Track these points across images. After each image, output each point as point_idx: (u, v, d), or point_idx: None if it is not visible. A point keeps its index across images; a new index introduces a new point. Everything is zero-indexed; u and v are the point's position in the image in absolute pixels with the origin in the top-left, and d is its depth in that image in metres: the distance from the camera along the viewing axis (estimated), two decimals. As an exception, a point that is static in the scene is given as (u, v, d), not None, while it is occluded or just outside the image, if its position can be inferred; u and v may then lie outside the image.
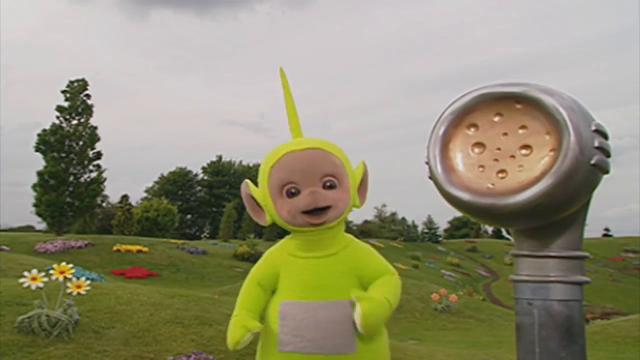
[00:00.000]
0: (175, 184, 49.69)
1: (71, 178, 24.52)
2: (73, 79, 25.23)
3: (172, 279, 15.34)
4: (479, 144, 0.85)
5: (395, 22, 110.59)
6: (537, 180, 0.76)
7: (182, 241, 21.95)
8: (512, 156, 0.81)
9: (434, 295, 10.58)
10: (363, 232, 44.79)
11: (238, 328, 1.37)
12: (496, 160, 0.83)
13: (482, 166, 0.83)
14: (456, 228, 56.08)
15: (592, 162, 0.74)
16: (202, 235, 47.76)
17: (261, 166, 1.47)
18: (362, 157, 1.55)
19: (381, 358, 1.42)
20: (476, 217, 0.84)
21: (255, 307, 1.45)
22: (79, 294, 3.46)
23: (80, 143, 24.71)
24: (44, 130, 24.36)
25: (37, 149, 24.13)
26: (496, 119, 0.84)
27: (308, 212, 1.37)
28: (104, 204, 36.49)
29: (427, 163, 0.88)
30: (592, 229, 53.81)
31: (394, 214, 50.49)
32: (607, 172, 0.77)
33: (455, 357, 5.63)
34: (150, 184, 50.53)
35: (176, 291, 5.69)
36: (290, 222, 1.40)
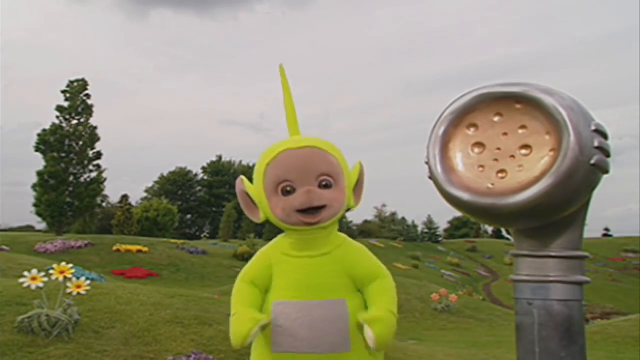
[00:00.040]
0: (175, 184, 49.69)
1: (71, 178, 24.52)
2: (73, 79, 25.27)
3: (172, 279, 15.34)
4: (479, 144, 0.85)
5: (395, 22, 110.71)
6: (537, 180, 0.76)
7: (182, 241, 21.95)
8: (512, 156, 0.81)
9: (434, 295, 10.58)
10: (363, 232, 44.79)
11: (245, 322, 1.34)
12: (496, 160, 0.83)
13: (482, 166, 0.83)
14: (456, 228, 56.08)
15: (592, 162, 0.74)
16: (202, 235, 47.76)
17: (257, 163, 1.45)
18: (362, 157, 1.55)
19: (375, 356, 1.42)
20: (476, 217, 0.84)
21: (253, 305, 1.43)
22: (79, 294, 3.46)
23: (80, 143, 24.71)
24: (44, 130, 24.37)
25: (37, 149, 24.13)
26: (496, 119, 0.84)
27: (303, 211, 1.36)
28: (104, 204, 36.48)
29: (427, 163, 0.88)
30: (592, 229, 53.88)
31: (394, 214, 50.54)
32: (607, 172, 0.77)
33: (455, 357, 5.63)
34: (150, 184, 50.60)
35: (176, 291, 5.69)
36: (284, 221, 1.39)
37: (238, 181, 1.49)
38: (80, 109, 24.82)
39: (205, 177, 51.74)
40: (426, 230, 46.89)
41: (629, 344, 6.51)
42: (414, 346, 6.15)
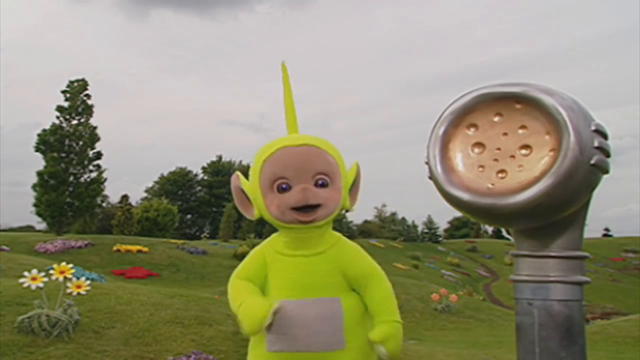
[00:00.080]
0: (175, 184, 49.69)
1: (71, 178, 24.53)
2: (73, 79, 25.26)
3: (172, 279, 15.34)
4: (479, 144, 0.85)
5: (395, 22, 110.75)
6: (537, 180, 0.76)
7: (182, 241, 21.95)
8: (512, 156, 0.81)
9: (434, 295, 10.59)
10: (363, 232, 44.81)
11: (259, 305, 1.33)
12: (496, 160, 0.83)
13: (482, 166, 0.83)
14: (456, 228, 56.08)
15: (592, 162, 0.74)
16: (202, 235, 47.76)
17: (254, 159, 1.45)
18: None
19: (370, 354, 1.41)
20: (476, 217, 0.84)
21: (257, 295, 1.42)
22: (79, 294, 3.46)
23: (80, 143, 24.71)
24: (44, 130, 24.37)
25: (37, 149, 24.14)
26: (496, 119, 0.84)
27: (298, 209, 1.35)
28: (104, 204, 36.49)
29: (427, 163, 0.88)
30: (592, 229, 53.88)
31: (394, 214, 50.52)
32: (607, 172, 0.77)
33: (455, 357, 5.63)
34: (150, 184, 50.59)
35: (176, 291, 5.69)
36: (278, 218, 1.39)
37: (233, 177, 1.48)
38: (80, 109, 24.83)
39: (205, 177, 51.74)
40: (426, 230, 46.87)
41: (629, 344, 6.51)
42: (414, 346, 6.15)
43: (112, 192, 59.36)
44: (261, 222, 1.50)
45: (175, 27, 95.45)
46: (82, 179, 24.92)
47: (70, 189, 24.40)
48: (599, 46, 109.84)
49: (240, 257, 19.55)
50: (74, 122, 24.77)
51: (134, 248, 17.26)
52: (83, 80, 25.22)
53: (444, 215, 63.63)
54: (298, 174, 1.36)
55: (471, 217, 0.85)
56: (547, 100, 0.77)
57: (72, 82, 25.04)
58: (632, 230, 56.56)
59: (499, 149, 0.83)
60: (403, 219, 47.48)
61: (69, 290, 3.44)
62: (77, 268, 7.35)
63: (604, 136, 0.77)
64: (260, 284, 1.45)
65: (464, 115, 0.86)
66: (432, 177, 0.87)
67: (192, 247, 19.87)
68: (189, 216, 50.92)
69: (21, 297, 3.99)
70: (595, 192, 0.79)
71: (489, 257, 37.23)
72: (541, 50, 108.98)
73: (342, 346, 1.36)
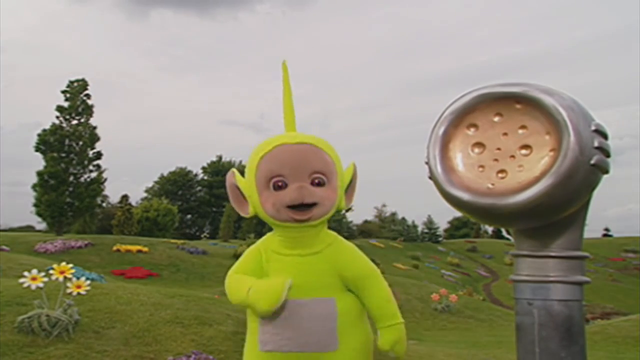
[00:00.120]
0: (175, 184, 49.68)
1: (71, 178, 24.52)
2: (73, 79, 25.24)
3: (172, 279, 15.34)
4: (479, 144, 0.85)
5: (395, 22, 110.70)
6: (537, 180, 0.76)
7: (182, 241, 21.93)
8: (512, 156, 0.81)
9: (434, 295, 10.59)
10: (363, 232, 44.80)
11: (273, 282, 1.33)
12: (496, 160, 0.83)
13: (482, 166, 0.83)
14: (456, 228, 56.06)
15: (592, 162, 0.74)
16: (202, 235, 47.76)
17: (250, 156, 1.44)
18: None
19: (363, 355, 1.41)
20: (476, 217, 0.84)
21: None
22: (79, 294, 3.46)
23: (80, 143, 24.70)
24: (44, 130, 24.35)
25: (37, 149, 24.13)
26: (496, 119, 0.84)
27: (293, 207, 1.35)
28: (104, 204, 36.49)
29: (427, 163, 0.88)
30: (592, 229, 53.85)
31: (394, 214, 50.51)
32: (607, 172, 0.77)
33: (455, 357, 5.63)
34: (150, 184, 50.55)
35: (176, 291, 5.69)
36: (273, 216, 1.38)
37: (229, 174, 1.46)
38: (80, 109, 24.81)
39: (205, 177, 51.73)
40: (426, 230, 46.84)
41: (629, 344, 6.51)
42: (414, 346, 6.15)
43: (112, 192, 59.39)
44: (261, 222, 1.49)
45: (175, 27, 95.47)
46: (82, 179, 24.91)
47: (70, 189, 24.39)
48: (599, 46, 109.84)
49: (240, 257, 19.50)
50: (74, 122, 24.76)
51: (134, 248, 17.25)
52: (83, 80, 25.22)
53: (444, 215, 63.69)
54: (295, 172, 1.36)
55: (471, 217, 0.85)
56: (547, 100, 0.77)
57: (72, 82, 25.03)
58: (632, 230, 56.56)
59: (499, 149, 0.83)
60: (403, 219, 47.48)
61: (69, 290, 3.44)
62: (77, 268, 7.34)
63: (604, 136, 0.77)
64: None
65: (464, 115, 0.86)
66: (432, 177, 0.87)
67: (192, 247, 19.86)
68: (189, 216, 50.91)
69: (21, 297, 3.99)
70: (595, 192, 0.80)
71: (489, 257, 37.22)
72: (541, 50, 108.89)
73: (336, 347, 1.35)
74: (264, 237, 1.50)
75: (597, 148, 0.75)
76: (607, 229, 56.73)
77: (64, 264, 3.55)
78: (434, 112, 0.89)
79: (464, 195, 0.81)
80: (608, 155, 0.76)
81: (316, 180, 1.37)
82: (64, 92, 24.90)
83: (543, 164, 0.77)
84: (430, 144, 0.87)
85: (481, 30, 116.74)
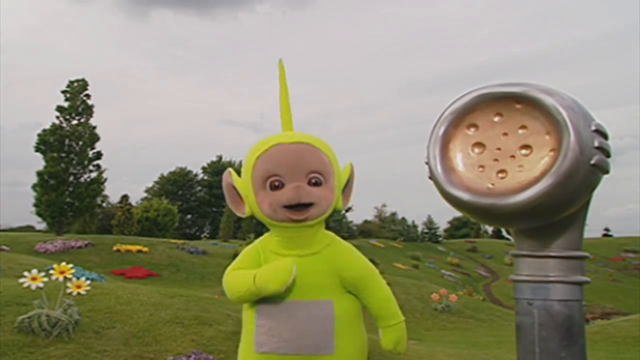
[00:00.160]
0: (175, 184, 49.68)
1: (71, 178, 24.51)
2: (73, 79, 25.24)
3: (172, 279, 15.34)
4: (479, 144, 0.85)
5: (395, 22, 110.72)
6: (537, 180, 0.76)
7: (182, 241, 21.93)
8: (512, 156, 0.81)
9: (434, 295, 10.59)
10: (363, 232, 44.79)
11: (280, 264, 1.32)
12: (496, 160, 0.82)
13: (482, 166, 0.83)
14: (456, 228, 56.05)
15: (592, 162, 0.74)
16: (202, 235, 47.75)
17: (246, 155, 1.43)
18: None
19: (358, 359, 1.41)
20: (476, 217, 0.84)
21: None
22: (79, 294, 3.46)
23: (80, 143, 24.70)
24: (44, 130, 24.35)
25: (37, 149, 24.12)
26: (496, 119, 0.84)
27: (290, 207, 1.33)
28: (104, 204, 36.50)
29: (427, 163, 0.88)
30: (592, 229, 53.85)
31: (394, 214, 50.47)
32: (607, 172, 0.77)
33: (455, 357, 5.63)
34: (150, 184, 50.56)
35: (176, 291, 5.69)
36: (270, 216, 1.36)
37: (225, 173, 1.45)
38: (80, 109, 24.81)
39: (205, 177, 51.72)
40: (426, 230, 46.82)
41: (629, 344, 6.51)
42: (414, 346, 6.15)
43: (112, 192, 59.44)
44: (261, 222, 1.48)
45: (175, 27, 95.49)
46: (82, 179, 24.91)
47: (70, 189, 24.39)
48: (599, 46, 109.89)
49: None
50: (74, 122, 24.76)
51: (134, 248, 17.25)
52: (83, 80, 25.22)
53: (444, 215, 63.72)
54: (291, 171, 1.34)
55: (471, 217, 0.85)
56: (547, 100, 0.77)
57: (72, 82, 25.03)
58: (632, 230, 56.57)
59: (499, 149, 0.83)
60: (403, 219, 47.45)
61: (69, 290, 3.44)
62: (77, 268, 7.34)
63: (604, 136, 0.77)
64: None
65: (464, 115, 0.86)
66: (432, 177, 0.87)
67: (192, 247, 19.86)
68: (189, 216, 50.91)
69: (21, 297, 3.99)
70: (595, 192, 0.79)
71: (489, 257, 37.21)
72: (541, 50, 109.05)
73: (332, 351, 1.34)
74: (261, 237, 1.49)
75: (597, 148, 0.74)
76: (607, 229, 56.76)
77: (64, 264, 3.55)
78: (434, 112, 0.89)
79: (464, 195, 0.81)
80: (608, 155, 0.76)
81: (313, 180, 1.36)
82: (64, 92, 24.90)
83: (543, 164, 0.77)
84: (430, 144, 0.87)
85: (481, 30, 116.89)
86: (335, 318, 1.36)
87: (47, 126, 24.46)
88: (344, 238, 1.53)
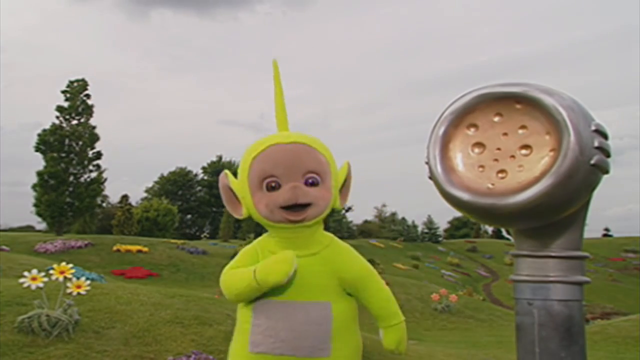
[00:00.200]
0: (175, 184, 49.67)
1: (71, 178, 24.52)
2: (73, 79, 25.26)
3: (172, 279, 15.34)
4: (479, 144, 0.85)
5: (395, 22, 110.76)
6: (537, 180, 0.76)
7: (182, 241, 21.93)
8: (512, 156, 0.81)
9: (434, 295, 10.59)
10: (363, 232, 44.80)
11: (280, 256, 1.32)
12: (496, 160, 0.82)
13: (482, 166, 0.83)
14: (456, 228, 56.05)
15: (592, 162, 0.74)
16: (202, 235, 47.74)
17: (243, 156, 1.41)
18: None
19: None
20: (476, 217, 0.84)
21: None
22: (79, 294, 3.46)
23: (80, 143, 24.70)
24: (44, 130, 24.35)
25: (37, 149, 24.13)
26: (496, 119, 0.84)
27: (287, 208, 1.32)
28: (104, 204, 36.50)
29: (427, 163, 0.88)
30: (592, 229, 53.85)
31: (394, 214, 50.49)
32: (607, 172, 0.77)
33: (455, 357, 5.63)
34: (150, 184, 50.55)
35: (176, 291, 5.69)
36: (267, 217, 1.36)
37: (221, 175, 1.44)
38: (80, 109, 24.81)
39: (205, 177, 51.70)
40: (426, 230, 46.82)
41: (629, 344, 6.51)
42: (414, 346, 6.15)
43: (112, 192, 59.40)
44: (243, 218, 1.46)
45: (175, 27, 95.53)
46: (82, 179, 24.92)
47: (70, 189, 24.39)
48: (599, 46, 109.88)
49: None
50: (74, 122, 24.76)
51: (134, 248, 17.25)
52: (83, 80, 25.22)
53: (444, 215, 63.68)
54: (288, 171, 1.33)
55: (471, 217, 0.85)
56: (547, 100, 0.77)
57: (72, 82, 25.03)
58: (632, 230, 56.50)
59: (499, 149, 0.83)
60: (403, 219, 47.46)
61: (69, 290, 3.44)
62: (77, 268, 7.34)
63: (604, 136, 0.77)
64: None
65: (464, 115, 0.86)
66: (432, 177, 0.87)
67: (192, 247, 19.86)
68: (189, 216, 50.91)
69: (21, 297, 3.99)
70: (595, 192, 0.79)
71: (489, 257, 37.21)
72: (541, 50, 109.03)
73: (328, 353, 1.33)
74: (260, 238, 1.48)
75: (597, 148, 0.74)
76: (607, 229, 56.76)
77: (64, 264, 3.55)
78: (434, 112, 0.89)
79: (464, 195, 0.81)
80: (608, 155, 0.76)
81: (310, 180, 1.35)
82: (64, 92, 24.90)
83: (543, 164, 0.77)
84: (430, 144, 0.87)
85: (481, 30, 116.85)
86: (332, 320, 1.35)
87: (47, 126, 24.51)
88: (344, 238, 1.53)
